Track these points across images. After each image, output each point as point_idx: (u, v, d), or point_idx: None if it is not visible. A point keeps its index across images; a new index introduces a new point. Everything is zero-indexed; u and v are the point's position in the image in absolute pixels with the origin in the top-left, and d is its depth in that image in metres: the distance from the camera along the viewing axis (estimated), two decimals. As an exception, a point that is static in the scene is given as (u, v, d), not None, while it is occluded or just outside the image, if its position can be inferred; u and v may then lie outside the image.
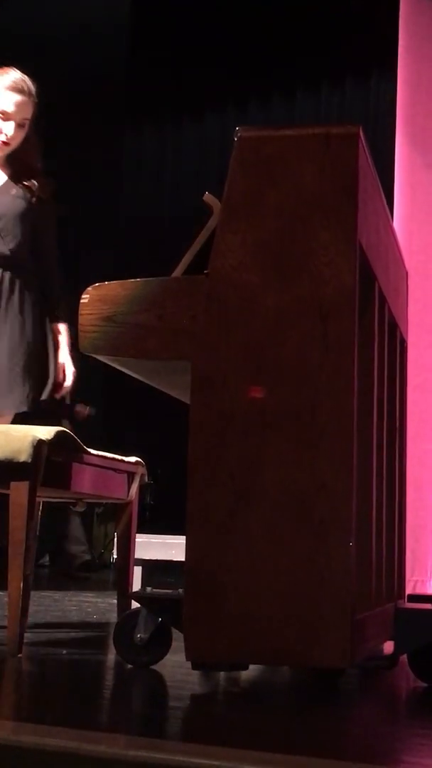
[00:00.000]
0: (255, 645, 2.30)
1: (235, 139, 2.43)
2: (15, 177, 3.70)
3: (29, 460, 2.79)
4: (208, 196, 2.65)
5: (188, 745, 1.83)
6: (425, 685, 2.65)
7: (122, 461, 3.32)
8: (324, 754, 1.75)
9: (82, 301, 2.56)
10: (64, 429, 2.93)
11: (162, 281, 2.50)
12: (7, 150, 3.69)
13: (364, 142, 2.44)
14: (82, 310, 2.55)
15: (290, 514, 2.31)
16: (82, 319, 2.54)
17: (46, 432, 2.86)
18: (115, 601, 3.90)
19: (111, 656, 2.83)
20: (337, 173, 2.38)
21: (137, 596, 2.79)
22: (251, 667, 2.62)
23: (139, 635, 2.68)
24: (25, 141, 3.69)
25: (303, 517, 2.30)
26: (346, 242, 2.36)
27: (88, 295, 2.56)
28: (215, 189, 2.62)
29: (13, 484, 2.82)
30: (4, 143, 3.66)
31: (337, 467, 2.30)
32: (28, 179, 3.70)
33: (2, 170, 3.73)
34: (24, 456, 2.79)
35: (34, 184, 3.69)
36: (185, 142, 9.00)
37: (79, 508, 3.13)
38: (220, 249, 2.41)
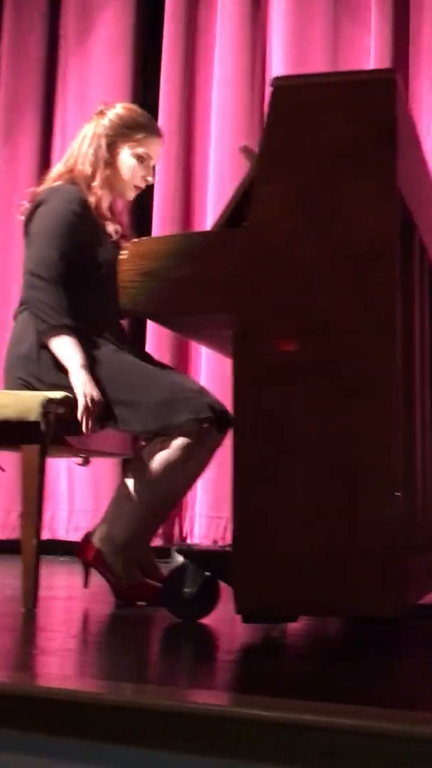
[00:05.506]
0: (304, 596, 2.31)
1: (271, 88, 2.40)
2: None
3: (39, 419, 2.88)
4: (245, 147, 2.62)
5: (242, 696, 1.84)
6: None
7: None
8: (374, 703, 1.75)
9: (120, 257, 2.55)
10: (69, 395, 2.99)
11: (200, 235, 2.50)
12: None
13: (401, 87, 2.40)
14: (121, 267, 2.53)
15: (333, 465, 2.29)
16: (121, 275, 2.53)
17: (54, 394, 2.95)
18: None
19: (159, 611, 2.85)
20: (374, 120, 2.34)
21: (184, 551, 2.80)
22: (300, 617, 2.63)
23: (187, 589, 2.70)
24: None
25: (347, 468, 2.28)
26: (386, 190, 2.32)
27: (127, 251, 2.55)
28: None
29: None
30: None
31: (381, 418, 2.29)
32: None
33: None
34: (34, 415, 2.88)
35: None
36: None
37: (84, 464, 3.23)
38: (257, 200, 2.38)
